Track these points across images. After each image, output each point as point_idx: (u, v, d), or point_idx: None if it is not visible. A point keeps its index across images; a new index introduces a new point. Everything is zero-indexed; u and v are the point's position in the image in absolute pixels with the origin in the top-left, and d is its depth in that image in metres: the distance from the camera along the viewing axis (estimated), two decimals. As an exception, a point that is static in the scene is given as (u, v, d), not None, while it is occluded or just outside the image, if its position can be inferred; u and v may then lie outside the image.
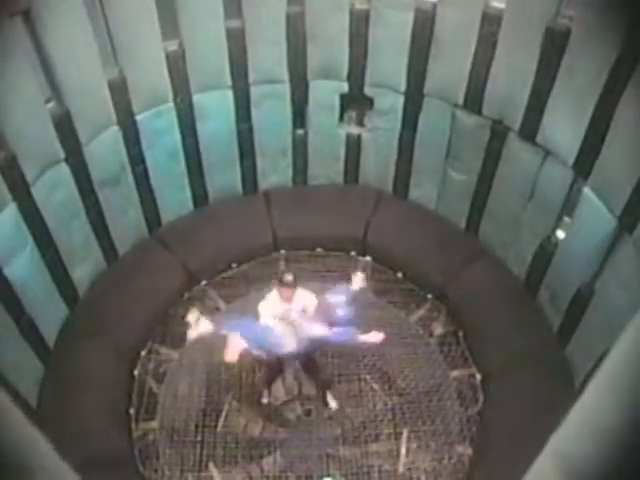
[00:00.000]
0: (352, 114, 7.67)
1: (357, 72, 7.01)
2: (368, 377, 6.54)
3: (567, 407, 1.64)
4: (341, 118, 7.64)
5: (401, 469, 5.89)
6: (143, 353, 6.63)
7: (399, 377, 6.53)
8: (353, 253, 7.65)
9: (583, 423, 1.51)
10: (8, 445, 1.27)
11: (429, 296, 7.18)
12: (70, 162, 6.06)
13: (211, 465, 5.92)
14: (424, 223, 7.61)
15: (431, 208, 7.79)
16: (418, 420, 6.18)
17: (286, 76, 7.09)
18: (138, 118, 6.60)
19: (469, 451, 5.94)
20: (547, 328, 6.50)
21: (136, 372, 6.47)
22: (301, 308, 5.37)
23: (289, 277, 5.13)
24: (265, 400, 6.32)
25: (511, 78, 6.01)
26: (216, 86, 6.92)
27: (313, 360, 5.99)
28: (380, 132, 7.50)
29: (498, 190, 6.89)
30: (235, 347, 5.21)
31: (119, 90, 6.26)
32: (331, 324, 5.27)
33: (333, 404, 6.33)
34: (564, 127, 5.68)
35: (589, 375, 5.61)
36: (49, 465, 1.54)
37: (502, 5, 5.83)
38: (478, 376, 6.43)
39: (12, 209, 5.48)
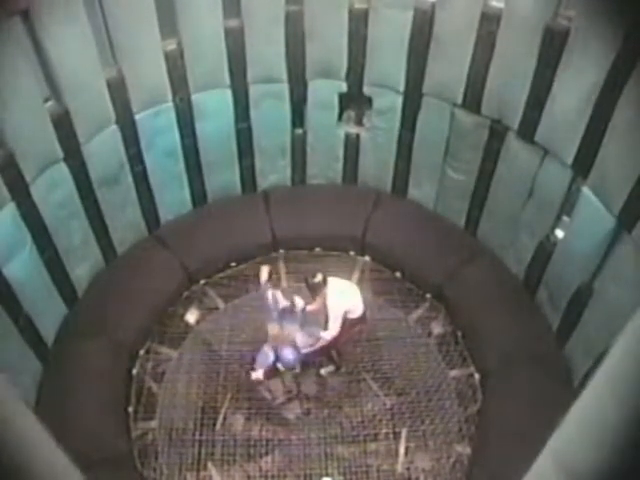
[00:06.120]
0: (351, 113, 7.67)
1: (356, 71, 7.01)
2: (367, 376, 6.54)
3: (566, 406, 1.64)
4: (340, 117, 7.64)
5: (400, 468, 5.89)
6: (142, 352, 6.62)
7: (398, 376, 6.52)
8: (352, 253, 7.65)
9: (582, 422, 1.51)
10: (12, 443, 1.27)
11: (428, 295, 7.18)
12: (69, 161, 6.06)
13: (210, 464, 5.91)
14: (423, 223, 7.61)
15: (430, 208, 7.79)
16: (417, 419, 6.18)
17: (285, 75, 7.09)
18: (137, 117, 6.59)
19: (468, 450, 5.94)
20: (546, 327, 6.50)
21: (135, 371, 6.46)
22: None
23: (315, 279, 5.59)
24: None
25: (510, 78, 6.01)
26: (215, 85, 6.92)
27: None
28: (379, 131, 7.50)
29: (497, 189, 6.89)
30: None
31: (118, 89, 6.25)
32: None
33: (323, 371, 6.53)
34: (563, 126, 5.69)
35: (588, 374, 5.61)
36: (53, 463, 1.54)
37: (501, 5, 5.84)
38: (477, 375, 6.43)
39: (11, 208, 5.48)
